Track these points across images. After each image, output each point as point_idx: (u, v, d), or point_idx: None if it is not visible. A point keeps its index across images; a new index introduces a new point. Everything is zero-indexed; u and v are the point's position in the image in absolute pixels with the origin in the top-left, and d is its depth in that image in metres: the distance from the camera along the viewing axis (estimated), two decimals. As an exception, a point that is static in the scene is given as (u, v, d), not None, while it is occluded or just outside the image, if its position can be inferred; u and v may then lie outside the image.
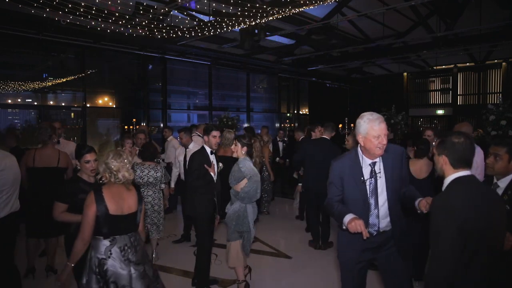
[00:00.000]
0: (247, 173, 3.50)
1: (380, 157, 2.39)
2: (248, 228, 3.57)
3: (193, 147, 5.07)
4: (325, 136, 5.14)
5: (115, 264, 2.32)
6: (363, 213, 2.35)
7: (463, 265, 1.66)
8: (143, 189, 4.44)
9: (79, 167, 2.92)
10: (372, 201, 2.39)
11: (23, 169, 3.77)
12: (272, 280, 4.13)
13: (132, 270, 2.37)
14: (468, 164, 1.83)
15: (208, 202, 3.76)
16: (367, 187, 2.38)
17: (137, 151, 5.07)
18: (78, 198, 2.75)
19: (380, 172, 2.38)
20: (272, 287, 4.00)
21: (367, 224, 2.35)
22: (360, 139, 2.36)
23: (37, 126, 4.32)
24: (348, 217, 2.24)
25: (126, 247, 2.38)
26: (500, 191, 2.41)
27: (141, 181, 4.39)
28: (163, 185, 4.59)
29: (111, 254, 2.33)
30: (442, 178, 1.88)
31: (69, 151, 4.54)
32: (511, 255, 2.25)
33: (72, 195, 2.82)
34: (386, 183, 2.39)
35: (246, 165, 3.55)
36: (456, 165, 1.82)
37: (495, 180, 2.48)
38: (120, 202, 2.39)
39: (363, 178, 2.38)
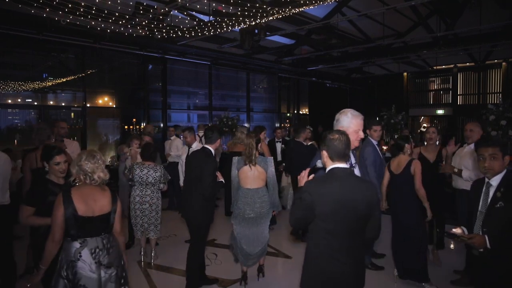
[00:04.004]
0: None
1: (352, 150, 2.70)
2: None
3: (196, 146, 5.04)
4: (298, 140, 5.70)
5: (84, 267, 2.23)
6: None
7: (324, 246, 2.00)
8: (142, 188, 4.45)
9: (47, 169, 2.83)
10: None
11: (28, 171, 3.77)
12: (272, 280, 4.14)
13: (102, 274, 2.28)
14: (343, 158, 2.09)
15: (213, 208, 3.70)
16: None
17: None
18: (47, 201, 2.64)
19: (355, 163, 2.70)
20: (272, 287, 4.00)
21: None
22: None
23: (35, 127, 4.20)
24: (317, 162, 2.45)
25: (97, 250, 2.29)
26: (492, 190, 2.40)
27: (140, 180, 4.41)
28: (162, 185, 4.60)
29: (80, 256, 2.24)
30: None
31: (73, 150, 4.53)
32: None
33: (40, 198, 2.70)
34: (359, 170, 2.75)
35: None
36: (333, 158, 2.10)
37: (486, 180, 2.46)
38: (90, 203, 2.29)
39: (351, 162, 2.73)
